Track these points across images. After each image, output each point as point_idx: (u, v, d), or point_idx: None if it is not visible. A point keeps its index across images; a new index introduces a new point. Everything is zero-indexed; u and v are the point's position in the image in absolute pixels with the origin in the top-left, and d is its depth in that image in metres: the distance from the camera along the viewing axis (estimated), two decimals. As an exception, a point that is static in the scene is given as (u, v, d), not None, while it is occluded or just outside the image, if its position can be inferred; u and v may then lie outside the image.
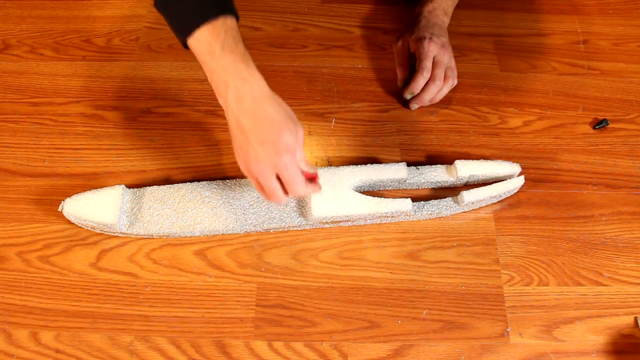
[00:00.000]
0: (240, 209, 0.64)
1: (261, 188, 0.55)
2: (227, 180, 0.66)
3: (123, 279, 0.61)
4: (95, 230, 0.64)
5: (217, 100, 0.74)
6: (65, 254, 0.63)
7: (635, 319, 0.60)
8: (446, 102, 0.74)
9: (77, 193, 0.64)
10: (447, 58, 0.70)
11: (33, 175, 0.68)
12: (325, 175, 0.64)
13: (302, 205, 0.64)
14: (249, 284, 0.62)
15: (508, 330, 0.59)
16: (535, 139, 0.72)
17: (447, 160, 0.69)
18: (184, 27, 0.52)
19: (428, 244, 0.64)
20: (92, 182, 0.67)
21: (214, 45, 0.51)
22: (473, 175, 0.65)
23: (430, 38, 0.70)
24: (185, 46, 0.53)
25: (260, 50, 0.79)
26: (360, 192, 0.65)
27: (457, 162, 0.66)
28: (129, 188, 0.65)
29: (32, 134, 0.71)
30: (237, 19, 0.54)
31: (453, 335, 0.59)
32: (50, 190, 0.67)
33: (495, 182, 0.66)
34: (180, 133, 0.71)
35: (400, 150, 0.70)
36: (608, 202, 0.67)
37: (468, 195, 0.64)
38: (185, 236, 0.64)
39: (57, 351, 0.57)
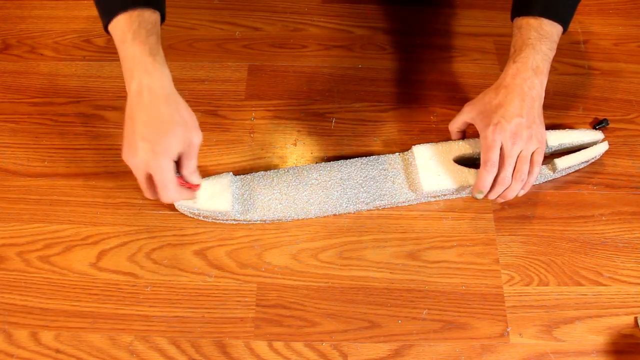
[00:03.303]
0: (351, 188, 0.65)
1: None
2: (332, 162, 0.67)
3: (123, 279, 0.61)
4: (208, 220, 0.64)
5: (218, 101, 0.74)
6: (65, 254, 0.63)
7: (635, 319, 0.60)
8: (446, 101, 0.74)
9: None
10: (518, 147, 0.58)
11: (33, 175, 0.68)
12: (426, 152, 0.66)
13: (410, 182, 0.65)
14: (249, 284, 0.62)
15: (508, 330, 0.59)
16: (535, 139, 0.72)
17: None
18: (106, 13, 0.55)
19: (428, 244, 0.64)
20: (92, 182, 0.67)
21: (126, 33, 0.53)
22: (562, 144, 0.67)
23: (497, 124, 0.58)
24: (107, 31, 0.55)
25: (260, 50, 0.79)
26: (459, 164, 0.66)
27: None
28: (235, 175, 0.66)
29: (32, 134, 0.71)
30: (162, 14, 0.56)
31: (453, 335, 0.59)
32: (50, 190, 0.67)
33: (579, 150, 0.68)
34: (180, 133, 0.71)
35: (400, 150, 0.70)
36: (608, 202, 0.67)
37: (560, 162, 0.66)
38: (300, 218, 0.65)
39: (57, 351, 0.57)
